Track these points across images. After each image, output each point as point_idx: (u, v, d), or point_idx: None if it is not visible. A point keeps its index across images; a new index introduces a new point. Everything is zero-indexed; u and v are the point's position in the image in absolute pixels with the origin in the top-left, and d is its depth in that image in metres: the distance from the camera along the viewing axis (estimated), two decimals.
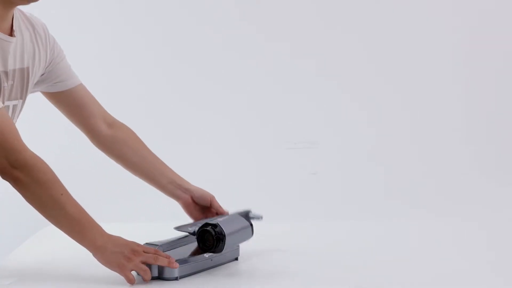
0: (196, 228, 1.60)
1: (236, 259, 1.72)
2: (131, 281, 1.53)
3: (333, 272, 1.64)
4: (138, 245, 1.57)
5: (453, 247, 1.87)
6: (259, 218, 1.78)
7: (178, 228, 1.64)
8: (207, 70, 3.20)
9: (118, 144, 1.80)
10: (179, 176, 1.82)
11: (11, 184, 1.54)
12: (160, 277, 1.56)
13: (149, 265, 1.55)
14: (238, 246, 1.72)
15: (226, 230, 1.58)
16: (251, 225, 1.68)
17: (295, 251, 1.83)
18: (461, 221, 2.17)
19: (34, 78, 1.66)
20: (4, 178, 1.54)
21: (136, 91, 3.21)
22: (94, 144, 1.81)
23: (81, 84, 1.76)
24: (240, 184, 3.09)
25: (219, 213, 1.77)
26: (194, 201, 1.79)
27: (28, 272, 1.65)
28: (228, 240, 1.58)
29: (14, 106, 1.64)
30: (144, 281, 1.54)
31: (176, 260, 1.56)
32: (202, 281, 1.57)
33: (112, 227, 1.66)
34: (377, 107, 3.21)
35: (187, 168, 3.14)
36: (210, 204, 1.79)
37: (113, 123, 1.81)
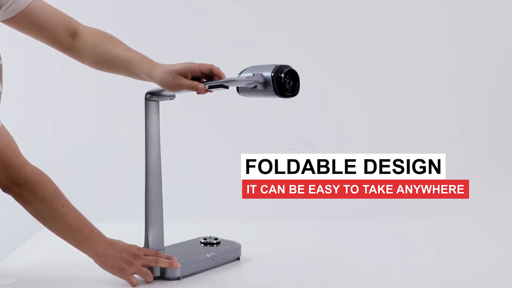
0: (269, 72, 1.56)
1: (238, 259, 1.72)
2: (133, 283, 1.53)
3: (334, 273, 1.64)
4: (139, 248, 1.58)
5: (453, 247, 1.88)
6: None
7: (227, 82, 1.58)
8: None
9: (86, 53, 1.60)
10: (152, 64, 1.62)
11: (13, 198, 1.54)
12: (163, 277, 1.57)
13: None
14: (240, 246, 1.72)
15: None
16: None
17: (296, 251, 1.82)
18: (461, 221, 2.17)
19: None
20: (6, 193, 1.54)
21: (135, 91, 3.20)
22: (70, 56, 1.63)
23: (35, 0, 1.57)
24: (239, 184, 3.08)
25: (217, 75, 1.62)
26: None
27: (30, 272, 1.65)
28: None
29: None
30: (147, 282, 1.55)
31: (178, 260, 1.57)
32: (204, 281, 1.57)
33: (112, 227, 1.66)
34: (376, 106, 3.21)
35: (185, 168, 3.15)
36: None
37: (76, 32, 1.61)
